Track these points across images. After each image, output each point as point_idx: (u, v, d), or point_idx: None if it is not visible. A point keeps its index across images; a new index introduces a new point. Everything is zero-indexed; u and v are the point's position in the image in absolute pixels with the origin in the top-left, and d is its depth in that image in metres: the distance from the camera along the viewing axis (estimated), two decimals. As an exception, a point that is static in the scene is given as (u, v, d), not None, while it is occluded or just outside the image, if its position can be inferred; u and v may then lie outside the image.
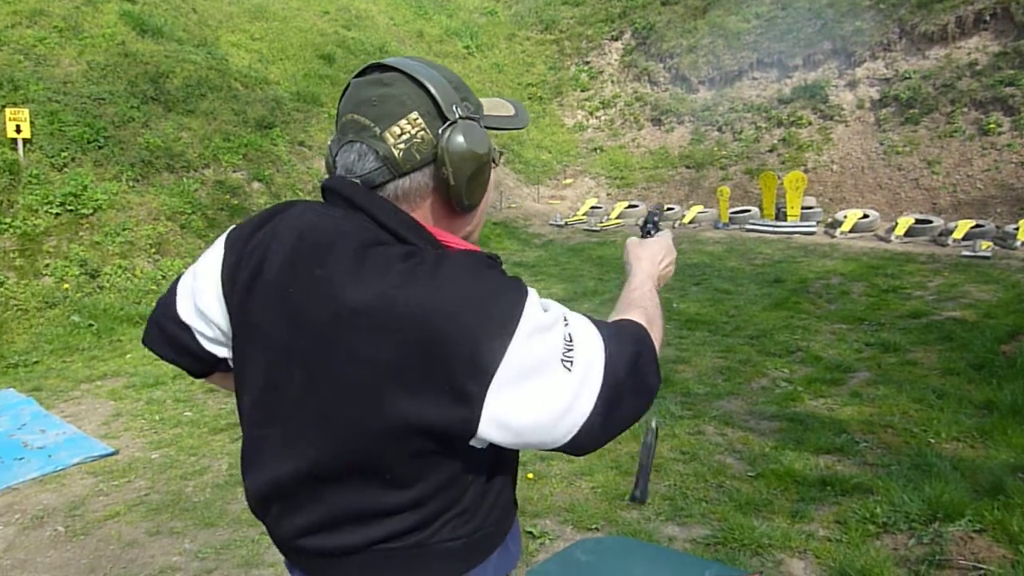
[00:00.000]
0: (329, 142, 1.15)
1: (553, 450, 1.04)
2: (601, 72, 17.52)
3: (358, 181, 1.05)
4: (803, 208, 12.09)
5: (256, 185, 11.01)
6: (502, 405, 0.94)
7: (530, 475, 4.03)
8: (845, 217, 11.54)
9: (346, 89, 1.10)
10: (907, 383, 5.14)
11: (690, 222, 12.89)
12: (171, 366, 5.11)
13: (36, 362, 6.79)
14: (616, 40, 17.69)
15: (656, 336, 1.16)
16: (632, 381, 1.05)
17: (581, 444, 1.02)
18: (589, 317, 1.08)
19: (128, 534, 3.67)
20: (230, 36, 13.54)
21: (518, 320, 0.95)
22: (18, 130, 8.80)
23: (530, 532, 3.46)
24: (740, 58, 15.05)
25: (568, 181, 15.83)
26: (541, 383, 0.97)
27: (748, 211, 12.69)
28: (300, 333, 1.01)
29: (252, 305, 1.07)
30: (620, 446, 4.38)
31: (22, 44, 10.34)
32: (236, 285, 1.09)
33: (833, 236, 11.25)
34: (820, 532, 3.38)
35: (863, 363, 5.68)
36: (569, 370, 0.98)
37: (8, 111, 8.85)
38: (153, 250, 9.03)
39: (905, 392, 4.96)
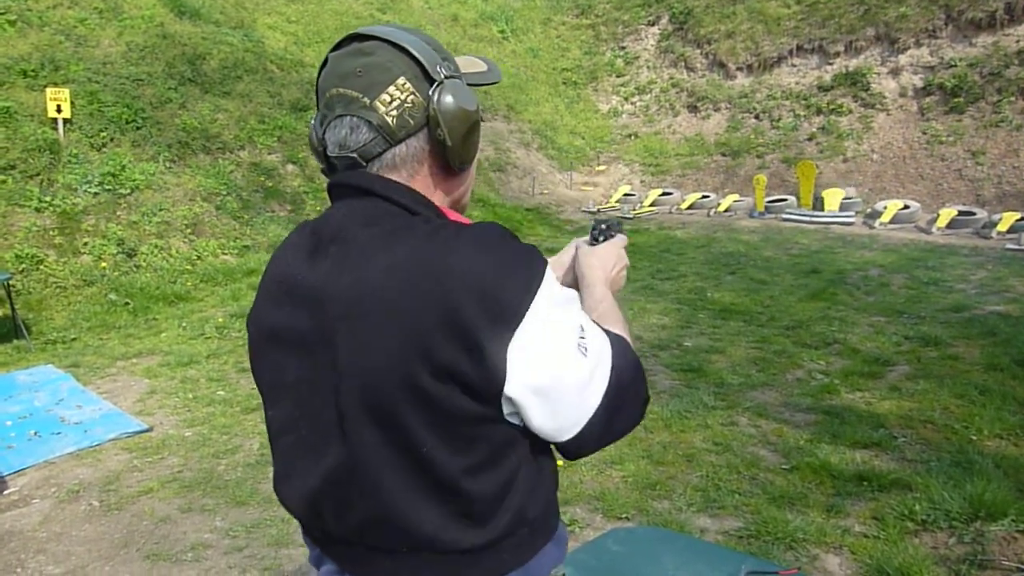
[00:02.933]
0: (311, 122, 1.12)
1: (556, 445, 1.03)
2: (637, 57, 17.29)
3: (355, 155, 1.03)
4: (843, 199, 11.85)
5: (290, 167, 11.08)
6: (525, 359, 0.93)
7: (560, 463, 4.00)
8: (885, 208, 11.29)
9: (324, 65, 1.07)
10: (948, 378, 5.00)
11: (725, 210, 12.71)
12: (205, 345, 5.16)
13: (74, 339, 6.91)
14: (653, 25, 17.44)
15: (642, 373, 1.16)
16: (633, 391, 1.06)
17: (583, 442, 1.02)
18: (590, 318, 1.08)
19: (161, 510, 3.71)
20: (266, 18, 13.60)
21: (539, 281, 0.95)
22: (59, 110, 8.93)
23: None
24: (779, 44, 14.75)
25: (601, 167, 15.69)
26: (560, 356, 0.96)
27: (785, 200, 12.47)
28: (325, 311, 0.99)
29: (264, 311, 1.10)
30: (652, 435, 4.34)
31: (63, 25, 10.48)
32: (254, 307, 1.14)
33: (872, 227, 11.01)
34: (856, 528, 3.30)
35: (902, 356, 5.54)
36: (584, 356, 0.98)
37: (49, 91, 8.99)
38: (189, 230, 9.13)
39: (946, 387, 4.83)
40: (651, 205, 13.59)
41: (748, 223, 11.96)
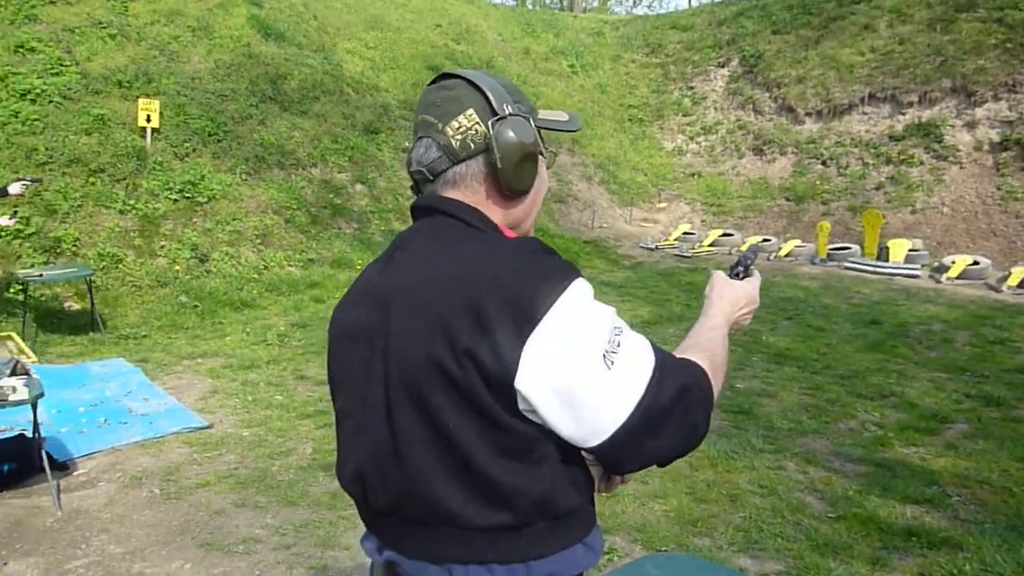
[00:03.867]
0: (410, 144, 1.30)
1: (586, 451, 1.08)
2: (705, 98, 17.33)
3: (424, 170, 1.21)
4: (908, 251, 11.60)
5: (359, 187, 11.42)
6: (539, 358, 1.01)
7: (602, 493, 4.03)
8: (953, 262, 11.00)
9: (422, 97, 1.26)
10: (1009, 440, 4.86)
11: (786, 255, 12.56)
12: (266, 351, 5.39)
13: (145, 336, 7.25)
14: (722, 67, 17.47)
15: (716, 383, 1.18)
16: (676, 413, 1.08)
17: (613, 454, 1.06)
18: (651, 342, 1.12)
19: (216, 503, 3.87)
20: (346, 43, 14.12)
21: (563, 292, 1.04)
22: (148, 120, 9.45)
23: (599, 546, 3.46)
24: (851, 91, 14.61)
25: (662, 205, 15.70)
26: (578, 362, 1.02)
27: (848, 248, 12.27)
28: (386, 307, 1.13)
29: (342, 315, 1.24)
30: (697, 473, 4.33)
31: (158, 40, 11.10)
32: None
33: (939, 281, 10.74)
34: (902, 583, 3.24)
35: (962, 414, 5.40)
36: (608, 368, 1.03)
37: (141, 102, 9.52)
38: (258, 241, 9.49)
39: (1006, 449, 4.70)
40: (710, 245, 13.52)
41: (809, 269, 11.80)
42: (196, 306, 8.02)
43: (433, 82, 1.26)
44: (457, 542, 1.08)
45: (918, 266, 11.27)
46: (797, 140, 15.05)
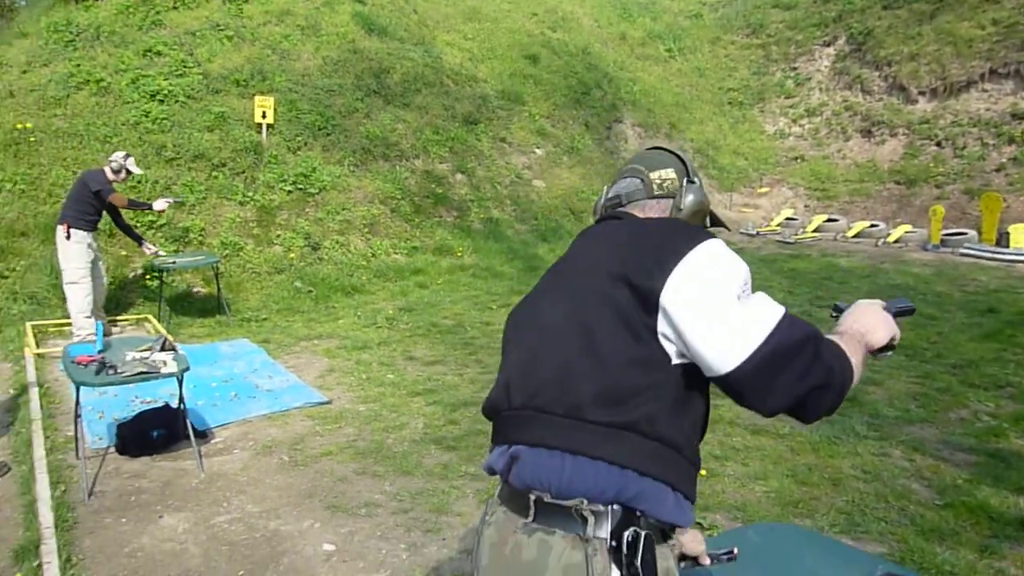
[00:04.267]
0: (603, 192, 1.69)
1: (716, 381, 1.23)
2: (809, 79, 16.77)
3: (622, 196, 1.59)
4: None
5: (459, 177, 11.75)
6: (682, 282, 1.24)
7: (703, 472, 4.12)
8: (1082, 248, 10.34)
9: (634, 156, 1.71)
10: None
11: (895, 241, 12.09)
12: (377, 333, 5.82)
13: (265, 319, 7.78)
14: (828, 46, 16.85)
15: (850, 366, 1.30)
16: (806, 354, 1.21)
17: (741, 383, 1.20)
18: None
19: (339, 471, 4.20)
20: (445, 36, 14.47)
21: (699, 243, 1.29)
22: (263, 116, 10.04)
23: (699, 523, 3.57)
24: (969, 68, 13.83)
25: (764, 190, 15.35)
26: (715, 291, 1.23)
27: (964, 234, 11.68)
28: (572, 264, 1.49)
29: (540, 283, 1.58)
30: (798, 457, 4.36)
31: (271, 40, 11.73)
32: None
33: (1065, 268, 10.11)
34: (1012, 571, 3.20)
35: (1086, 406, 5.16)
36: (739, 301, 1.23)
37: (257, 99, 10.13)
38: (366, 230, 9.95)
39: None
40: (814, 231, 13.16)
41: (920, 256, 11.32)
42: (310, 291, 8.52)
43: (650, 149, 1.70)
44: (575, 433, 1.26)
45: (1042, 252, 10.64)
46: (909, 120, 14.39)
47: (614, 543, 1.21)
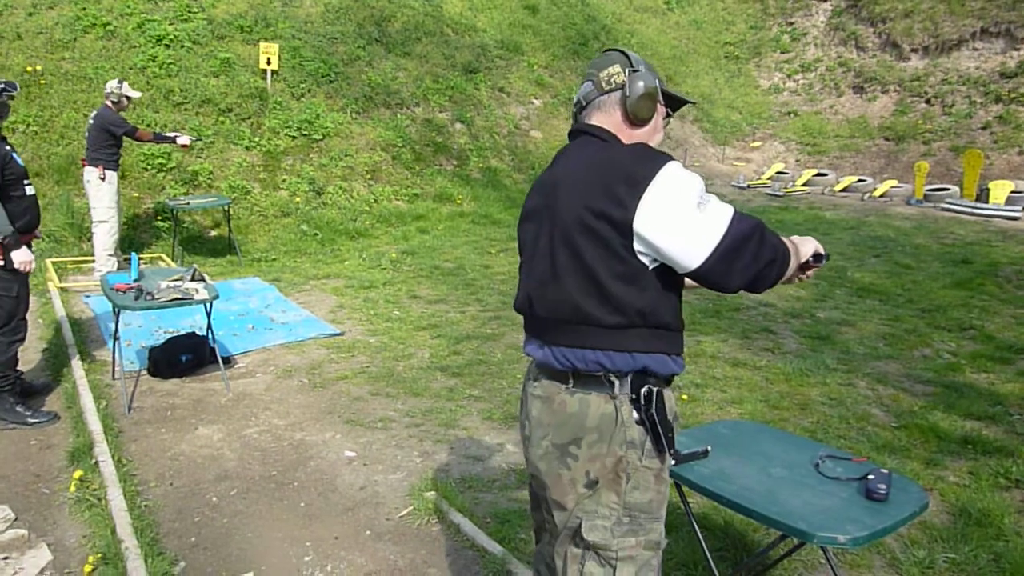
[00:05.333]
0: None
1: (687, 275, 1.61)
2: (805, 34, 16.92)
3: (581, 99, 1.81)
4: (1011, 192, 11.34)
5: (458, 126, 11.99)
6: (650, 206, 1.54)
7: (684, 396, 4.56)
8: (1059, 205, 10.73)
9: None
10: (1082, 370, 5.07)
11: (881, 196, 12.46)
12: (381, 274, 6.29)
13: (274, 259, 8.13)
14: (825, 1, 16.95)
15: (786, 247, 1.71)
16: (754, 240, 1.59)
17: (710, 272, 1.58)
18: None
19: (355, 392, 4.62)
20: (445, -16, 14.51)
21: (663, 166, 1.58)
22: (268, 62, 10.23)
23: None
24: (962, 26, 14.04)
25: (756, 144, 15.64)
26: (679, 206, 1.55)
27: (946, 189, 12.06)
28: (553, 189, 1.73)
29: (526, 203, 1.87)
30: (772, 385, 4.80)
31: (274, -14, 11.81)
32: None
33: (1041, 224, 10.52)
34: (951, 478, 3.65)
35: (1040, 348, 5.61)
36: (700, 211, 1.56)
37: (262, 45, 10.30)
38: (368, 176, 10.24)
39: (1077, 378, 4.93)
40: (804, 185, 13.50)
41: (903, 210, 11.71)
42: (316, 234, 8.86)
43: (602, 53, 1.88)
44: (590, 334, 1.67)
45: (1019, 208, 11.03)
46: (901, 77, 14.63)
47: (634, 396, 1.65)
